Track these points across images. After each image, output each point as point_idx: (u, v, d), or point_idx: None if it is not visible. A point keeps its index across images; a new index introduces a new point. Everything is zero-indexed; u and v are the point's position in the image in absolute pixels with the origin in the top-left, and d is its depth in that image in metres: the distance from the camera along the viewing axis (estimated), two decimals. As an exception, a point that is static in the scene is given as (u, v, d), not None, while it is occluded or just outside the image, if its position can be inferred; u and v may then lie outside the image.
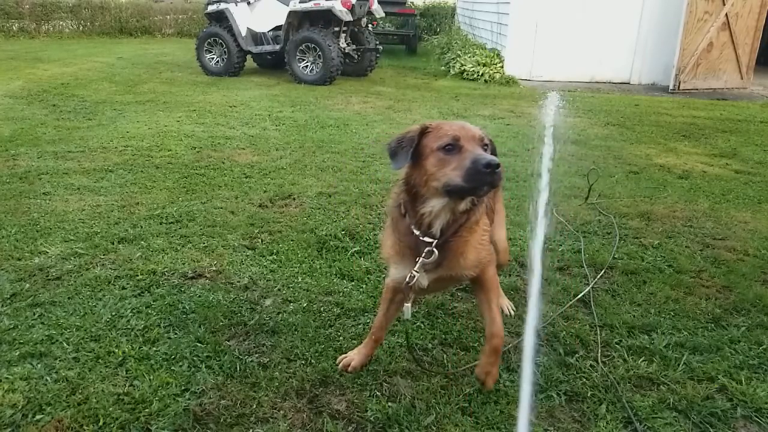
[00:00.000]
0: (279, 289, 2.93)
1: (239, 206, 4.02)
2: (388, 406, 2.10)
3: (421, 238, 1.93)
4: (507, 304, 2.80)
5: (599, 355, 2.45)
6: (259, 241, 3.48)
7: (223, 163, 5.06)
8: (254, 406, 2.10)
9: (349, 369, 2.28)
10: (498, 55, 11.12)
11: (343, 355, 2.35)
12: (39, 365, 2.26)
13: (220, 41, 9.86)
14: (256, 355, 2.39)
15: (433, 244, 1.91)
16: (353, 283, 3.01)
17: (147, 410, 2.05)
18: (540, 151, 2.35)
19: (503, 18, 11.11)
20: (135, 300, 2.76)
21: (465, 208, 1.90)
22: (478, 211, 1.96)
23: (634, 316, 2.77)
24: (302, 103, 7.86)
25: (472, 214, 1.94)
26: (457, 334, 2.60)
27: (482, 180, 1.71)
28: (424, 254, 1.93)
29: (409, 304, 2.07)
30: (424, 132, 1.86)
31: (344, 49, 9.89)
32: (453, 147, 1.77)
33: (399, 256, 2.03)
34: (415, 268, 1.95)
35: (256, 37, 10.08)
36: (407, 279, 1.97)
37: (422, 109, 7.83)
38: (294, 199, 4.22)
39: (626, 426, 2.07)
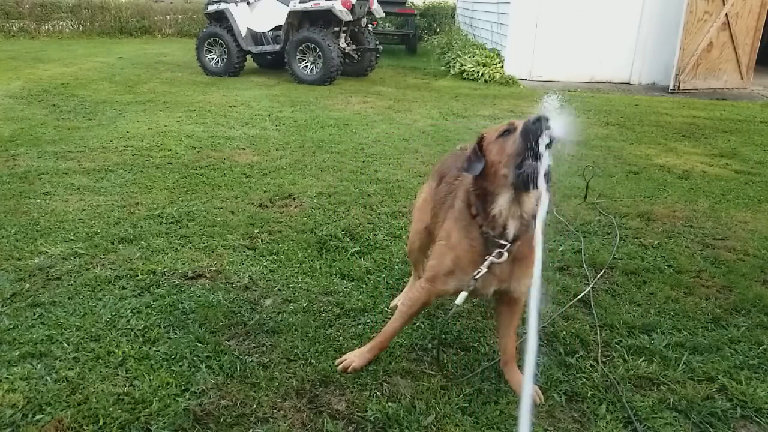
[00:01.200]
0: (279, 289, 2.93)
1: (239, 206, 4.02)
2: (388, 406, 2.10)
3: (496, 240, 1.96)
4: None
5: (599, 355, 2.45)
6: (259, 241, 3.48)
7: (223, 163, 5.06)
8: (254, 406, 2.10)
9: (350, 369, 2.28)
10: (498, 55, 11.12)
11: (343, 357, 2.35)
12: (39, 365, 2.26)
13: (220, 41, 9.85)
14: (256, 355, 2.39)
15: (506, 248, 1.95)
16: (353, 283, 3.01)
17: (147, 410, 2.05)
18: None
19: (503, 18, 11.11)
20: (135, 300, 2.76)
21: (532, 208, 1.93)
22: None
23: (634, 316, 2.77)
24: (302, 103, 7.86)
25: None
26: (457, 334, 2.60)
27: (534, 134, 1.75)
28: (494, 254, 1.96)
29: (466, 293, 2.05)
30: (482, 138, 1.98)
31: (344, 49, 9.89)
32: (509, 131, 1.90)
33: (469, 263, 2.03)
34: (485, 264, 1.97)
35: (256, 37, 10.07)
36: (475, 273, 1.98)
37: (422, 109, 7.83)
38: (294, 199, 4.22)
39: (626, 426, 2.07)
